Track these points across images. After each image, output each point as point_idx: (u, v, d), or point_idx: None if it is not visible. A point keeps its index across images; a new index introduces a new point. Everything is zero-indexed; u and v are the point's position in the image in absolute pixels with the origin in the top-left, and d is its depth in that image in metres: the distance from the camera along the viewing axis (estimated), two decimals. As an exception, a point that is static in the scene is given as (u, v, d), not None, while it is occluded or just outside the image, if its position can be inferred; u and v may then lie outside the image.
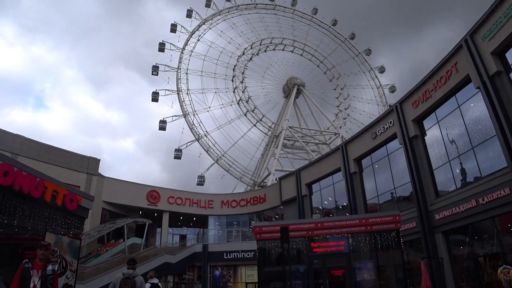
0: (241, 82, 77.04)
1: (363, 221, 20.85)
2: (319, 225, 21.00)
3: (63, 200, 16.60)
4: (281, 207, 48.70)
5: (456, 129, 25.67)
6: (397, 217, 20.11)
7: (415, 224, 27.49)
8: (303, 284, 20.37)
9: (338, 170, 40.13)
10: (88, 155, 48.08)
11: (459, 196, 23.48)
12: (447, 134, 26.60)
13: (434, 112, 28.00)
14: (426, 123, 29.11)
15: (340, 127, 77.69)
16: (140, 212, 51.57)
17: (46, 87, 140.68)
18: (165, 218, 51.41)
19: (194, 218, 54.80)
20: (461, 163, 24.98)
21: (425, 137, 29.11)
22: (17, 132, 43.05)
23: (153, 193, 50.66)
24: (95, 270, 36.63)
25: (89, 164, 47.23)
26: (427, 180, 27.74)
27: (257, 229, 21.19)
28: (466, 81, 24.41)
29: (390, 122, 32.40)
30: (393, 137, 32.21)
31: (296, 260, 21.31)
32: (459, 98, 25.42)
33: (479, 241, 23.03)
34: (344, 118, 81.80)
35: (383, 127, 33.49)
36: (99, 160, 48.16)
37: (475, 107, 24.15)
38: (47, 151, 44.55)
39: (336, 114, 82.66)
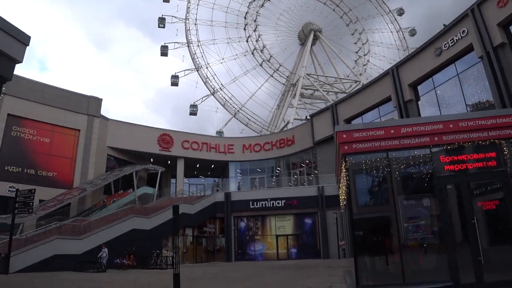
0: (254, 31, 67.04)
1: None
2: (451, 125, 10.85)
3: None
4: (314, 149, 38.79)
5: None
6: None
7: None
8: (430, 224, 10.39)
9: (387, 100, 31.49)
10: (88, 94, 38.05)
11: None
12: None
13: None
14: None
15: (360, 74, 68.16)
16: (152, 159, 42.18)
17: (47, 50, 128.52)
18: (180, 165, 42.18)
19: (213, 166, 45.22)
20: None
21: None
22: None
23: (165, 137, 41.03)
24: (97, 223, 27.36)
25: (90, 105, 37.53)
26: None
27: (344, 136, 11.10)
28: None
29: (463, 32, 24.10)
30: (466, 50, 24.16)
31: (413, 187, 11.31)
32: None
33: None
34: (364, 65, 72.02)
35: (452, 39, 24.91)
36: (101, 99, 38.54)
37: None
38: (40, 89, 34.97)
39: (356, 61, 72.61)
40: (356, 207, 11.02)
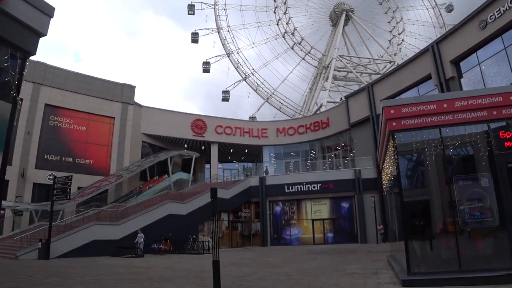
0: (284, 13, 65.37)
1: None
2: (511, 98, 9.66)
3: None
4: (349, 131, 37.53)
5: None
6: None
7: None
8: (489, 206, 9.32)
9: (426, 78, 29.69)
10: (121, 82, 38.10)
11: None
12: None
13: None
14: None
15: (395, 54, 65.63)
16: (185, 145, 41.92)
17: (80, 41, 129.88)
18: (214, 150, 41.89)
19: (246, 150, 44.60)
20: None
21: None
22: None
23: (199, 122, 40.69)
24: (133, 209, 27.40)
25: (123, 92, 37.60)
26: None
27: (392, 111, 10.09)
28: None
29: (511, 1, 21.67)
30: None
31: (470, 166, 10.21)
32: None
33: None
34: (399, 44, 69.12)
35: (498, 10, 22.83)
36: (134, 87, 38.48)
37: None
38: (75, 79, 35.30)
39: (390, 40, 69.83)
40: (405, 189, 10.05)
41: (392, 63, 58.78)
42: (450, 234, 9.08)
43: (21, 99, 31.47)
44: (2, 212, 29.08)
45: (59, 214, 27.45)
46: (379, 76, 41.59)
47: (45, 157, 32.60)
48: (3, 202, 27.35)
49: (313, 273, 11.39)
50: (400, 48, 68.45)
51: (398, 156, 9.70)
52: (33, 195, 31.05)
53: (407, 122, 9.65)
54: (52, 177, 22.77)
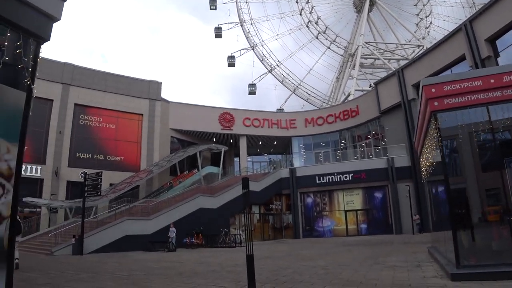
0: (307, 3, 63.78)
1: None
2: None
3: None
4: (380, 119, 36.30)
5: None
6: None
7: None
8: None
9: (460, 59, 27.93)
10: (148, 79, 38.14)
11: None
12: None
13: None
14: None
15: (423, 38, 63.07)
16: (214, 139, 41.64)
17: (107, 42, 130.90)
18: (243, 143, 41.46)
19: (275, 142, 43.89)
20: None
21: None
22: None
23: (226, 115, 40.31)
24: (164, 204, 27.34)
25: (150, 88, 37.61)
26: None
27: (433, 90, 9.20)
28: None
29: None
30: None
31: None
32: None
33: None
34: (427, 27, 66.33)
35: None
36: (161, 83, 38.50)
37: None
38: (102, 78, 35.62)
39: (417, 24, 67.25)
40: (451, 175, 9.18)
41: (421, 47, 56.44)
42: (504, 224, 8.18)
43: (51, 100, 32.10)
44: (38, 209, 29.69)
45: (92, 210, 27.65)
46: (407, 61, 40.02)
47: (77, 156, 32.98)
48: (38, 200, 28.02)
49: (351, 266, 10.69)
50: (429, 31, 65.63)
51: (442, 139, 8.85)
52: (67, 193, 31.49)
53: (450, 101, 8.74)
54: (84, 174, 22.83)
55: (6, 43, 5.53)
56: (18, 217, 13.11)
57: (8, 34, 5.63)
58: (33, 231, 27.26)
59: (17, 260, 12.55)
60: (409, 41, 63.56)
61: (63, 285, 8.86)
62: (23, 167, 28.89)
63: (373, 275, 8.87)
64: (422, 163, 14.04)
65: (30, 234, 26.11)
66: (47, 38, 7.08)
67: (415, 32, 63.26)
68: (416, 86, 32.00)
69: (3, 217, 4.76)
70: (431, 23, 66.47)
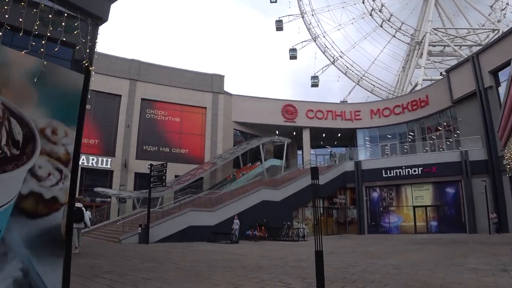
0: (370, -10, 61.15)
1: None
2: None
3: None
4: (452, 109, 33.87)
5: None
6: None
7: None
8: None
9: None
10: (211, 73, 38.48)
11: None
12: None
13: None
14: None
15: (499, 21, 57.88)
16: (277, 132, 41.23)
17: (169, 36, 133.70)
18: (306, 135, 40.58)
19: (339, 134, 42.54)
20: None
21: None
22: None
23: (289, 107, 39.71)
24: (227, 196, 27.39)
25: (213, 82, 38.01)
26: None
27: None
28: None
29: None
30: None
31: None
32: None
33: None
34: (503, 9, 60.40)
35: None
36: (223, 76, 38.68)
37: None
38: (167, 73, 36.64)
39: (491, 6, 61.42)
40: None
41: (496, 31, 52.06)
42: None
43: (120, 95, 33.46)
44: (108, 199, 31.07)
45: (158, 200, 28.36)
46: (480, 47, 36.91)
47: (144, 148, 34.08)
48: (108, 190, 29.29)
49: (426, 267, 9.70)
50: (505, 14, 59.69)
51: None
52: (135, 184, 32.66)
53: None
54: (150, 166, 23.39)
55: (63, 24, 5.37)
56: (82, 205, 13.55)
57: (66, 15, 5.47)
58: (104, 219, 28.71)
59: (77, 247, 12.98)
60: (483, 25, 58.91)
61: (127, 274, 8.81)
62: (94, 159, 30.63)
63: (453, 278, 7.90)
64: (508, 155, 12.62)
65: (101, 222, 27.50)
66: (105, 19, 6.92)
67: (489, 15, 58.26)
68: (494, 72, 29.42)
69: (61, 204, 4.51)
70: (507, 4, 60.56)
